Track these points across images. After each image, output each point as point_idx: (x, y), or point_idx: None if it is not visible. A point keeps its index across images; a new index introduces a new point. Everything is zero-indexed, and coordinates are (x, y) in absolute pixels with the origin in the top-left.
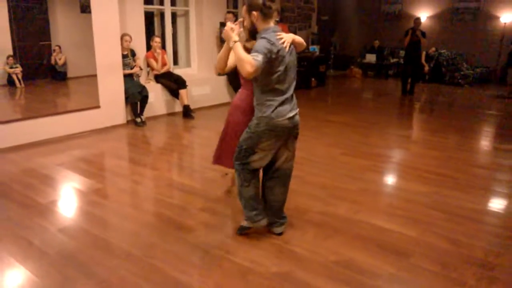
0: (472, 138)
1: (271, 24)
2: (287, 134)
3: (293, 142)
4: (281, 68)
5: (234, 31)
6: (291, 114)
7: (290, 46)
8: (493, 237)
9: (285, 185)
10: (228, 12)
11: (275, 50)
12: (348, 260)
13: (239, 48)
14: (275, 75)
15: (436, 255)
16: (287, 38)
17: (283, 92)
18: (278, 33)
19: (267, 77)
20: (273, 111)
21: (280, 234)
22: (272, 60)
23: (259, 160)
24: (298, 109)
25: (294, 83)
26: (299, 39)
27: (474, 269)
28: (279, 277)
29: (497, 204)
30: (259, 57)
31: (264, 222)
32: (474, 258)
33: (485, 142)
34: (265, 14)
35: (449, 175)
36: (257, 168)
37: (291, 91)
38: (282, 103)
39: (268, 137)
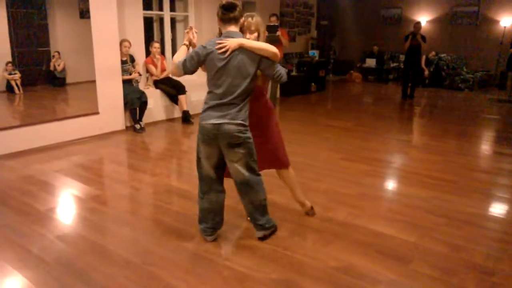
0: (472, 142)
1: (230, 29)
2: (215, 141)
3: (232, 153)
4: (212, 72)
5: (186, 35)
6: (217, 121)
7: (231, 52)
8: (493, 242)
9: (248, 196)
10: None
11: (204, 53)
12: (348, 266)
13: (180, 50)
14: (209, 78)
15: (436, 260)
16: (229, 43)
17: (217, 97)
18: (225, 38)
19: (207, 79)
20: (202, 112)
21: (261, 239)
22: (201, 63)
23: (207, 168)
24: (238, 121)
25: (238, 92)
26: (252, 45)
27: (474, 274)
28: (278, 283)
29: (497, 208)
30: (181, 59)
31: (209, 238)
32: (474, 263)
33: (485, 147)
34: (222, 20)
35: (449, 180)
36: (209, 176)
37: (228, 99)
38: (213, 108)
39: (201, 140)
